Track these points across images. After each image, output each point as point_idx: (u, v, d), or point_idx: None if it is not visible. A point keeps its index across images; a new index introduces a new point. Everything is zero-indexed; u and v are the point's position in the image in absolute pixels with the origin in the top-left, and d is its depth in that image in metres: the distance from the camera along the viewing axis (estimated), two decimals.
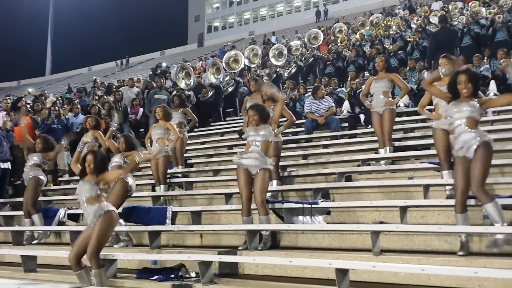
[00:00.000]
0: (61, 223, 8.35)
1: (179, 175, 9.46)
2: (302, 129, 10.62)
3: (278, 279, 5.53)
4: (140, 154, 5.96)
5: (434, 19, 16.15)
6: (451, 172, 5.82)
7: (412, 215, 6.00)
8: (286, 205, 6.55)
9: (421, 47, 14.32)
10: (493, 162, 6.21)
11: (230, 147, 11.12)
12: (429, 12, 19.67)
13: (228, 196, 7.58)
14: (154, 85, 13.82)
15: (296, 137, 10.61)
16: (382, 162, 7.84)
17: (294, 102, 12.25)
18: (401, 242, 5.66)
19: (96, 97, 13.29)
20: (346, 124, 10.65)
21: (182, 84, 13.56)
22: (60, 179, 11.14)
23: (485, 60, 11.88)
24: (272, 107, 7.78)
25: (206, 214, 7.55)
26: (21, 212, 8.74)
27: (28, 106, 12.60)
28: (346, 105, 11.55)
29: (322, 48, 19.46)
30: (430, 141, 7.21)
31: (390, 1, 38.34)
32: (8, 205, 10.00)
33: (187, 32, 63.50)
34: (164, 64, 28.50)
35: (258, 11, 59.82)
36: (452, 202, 5.21)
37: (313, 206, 6.37)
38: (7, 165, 10.32)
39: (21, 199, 8.77)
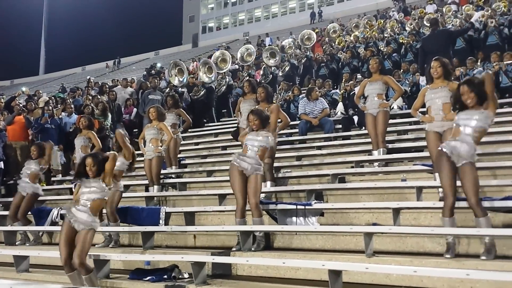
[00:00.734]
0: (54, 223, 8.33)
1: (173, 175, 9.45)
2: (296, 130, 10.64)
3: (271, 280, 5.54)
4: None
5: (428, 22, 16.21)
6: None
7: (405, 217, 6.02)
8: (279, 206, 6.56)
9: (415, 49, 14.37)
10: (486, 165, 6.29)
11: (224, 148, 11.13)
12: (424, 13, 19.75)
13: (222, 197, 7.58)
14: (148, 85, 13.80)
15: (290, 138, 10.63)
16: (376, 164, 7.87)
17: (288, 103, 12.27)
18: (394, 244, 5.68)
19: (90, 97, 13.25)
20: (340, 126, 10.68)
21: (175, 81, 13.55)
22: (53, 179, 11.10)
23: (478, 63, 11.95)
24: (266, 108, 7.81)
25: (199, 215, 7.55)
26: None
27: (21, 105, 12.55)
28: (340, 107, 11.57)
29: (316, 50, 19.50)
30: (424, 143, 7.23)
31: (385, 3, 38.48)
32: (1, 205, 9.95)
33: (182, 32, 63.42)
34: (158, 65, 28.46)
35: (253, 12, 59.85)
36: None
37: (306, 207, 6.39)
38: (0, 164, 10.28)
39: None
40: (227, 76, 15.10)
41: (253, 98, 8.22)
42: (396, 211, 5.81)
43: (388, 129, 8.38)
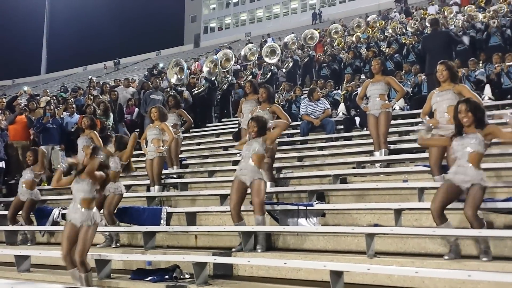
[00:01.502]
0: (55, 223, 8.33)
1: (174, 175, 9.45)
2: (298, 131, 10.64)
3: (273, 281, 5.54)
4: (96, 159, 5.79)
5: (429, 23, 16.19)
6: (443, 176, 5.79)
7: (407, 218, 6.02)
8: (281, 207, 6.57)
9: (417, 50, 14.35)
10: (490, 165, 6.26)
11: (226, 148, 11.12)
12: (428, 14, 19.71)
13: (223, 197, 7.56)
14: (150, 85, 13.81)
15: (291, 139, 10.62)
16: (377, 164, 7.86)
17: (290, 104, 12.26)
18: (396, 245, 5.68)
19: (92, 97, 13.25)
20: (342, 127, 10.67)
21: (173, 79, 13.55)
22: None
23: (480, 64, 11.93)
24: (268, 108, 7.80)
25: (201, 215, 7.55)
26: None
27: (23, 105, 12.55)
28: (341, 108, 11.57)
29: (318, 50, 19.48)
30: None
31: (387, 4, 38.43)
32: (2, 205, 9.96)
33: (184, 32, 63.41)
34: (160, 65, 28.44)
35: (255, 13, 59.83)
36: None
37: (308, 208, 6.38)
38: (1, 164, 10.29)
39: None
40: (229, 75, 15.12)
41: (255, 99, 8.23)
42: (398, 212, 5.81)
43: (390, 130, 8.37)
